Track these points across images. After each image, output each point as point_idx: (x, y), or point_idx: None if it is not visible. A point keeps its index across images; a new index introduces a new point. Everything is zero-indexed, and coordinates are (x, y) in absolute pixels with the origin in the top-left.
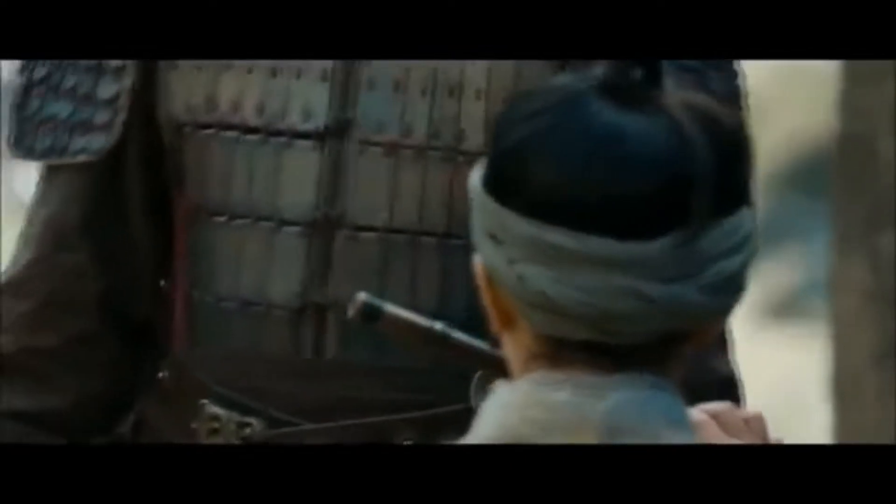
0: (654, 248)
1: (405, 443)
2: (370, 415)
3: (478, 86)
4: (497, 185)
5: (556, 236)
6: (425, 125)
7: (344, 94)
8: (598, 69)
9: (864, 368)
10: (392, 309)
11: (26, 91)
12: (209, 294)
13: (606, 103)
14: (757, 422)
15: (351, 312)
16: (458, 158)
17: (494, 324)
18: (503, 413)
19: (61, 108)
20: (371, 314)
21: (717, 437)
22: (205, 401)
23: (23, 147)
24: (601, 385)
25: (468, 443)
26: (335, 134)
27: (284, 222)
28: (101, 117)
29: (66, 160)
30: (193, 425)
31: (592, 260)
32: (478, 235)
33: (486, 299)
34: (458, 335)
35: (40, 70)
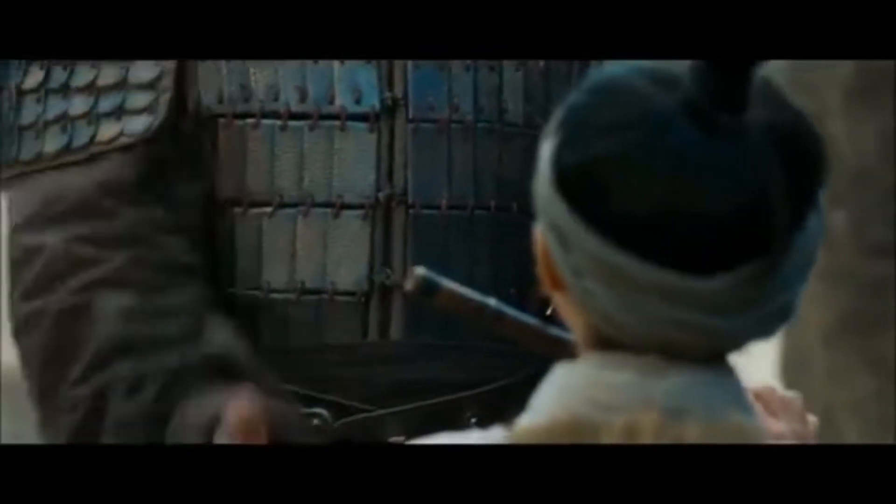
0: (720, 283)
1: (471, 421)
2: (435, 396)
3: None
4: (572, 193)
5: (625, 262)
6: (471, 101)
7: (390, 75)
8: (684, 77)
9: (814, 346)
10: (449, 284)
11: (19, 102)
12: (253, 288)
13: (691, 126)
14: (795, 402)
15: (409, 287)
16: (503, 131)
17: (546, 287)
18: (564, 393)
19: (74, 104)
20: (429, 289)
21: (760, 416)
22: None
23: (24, 157)
24: (664, 366)
25: (526, 422)
26: (387, 114)
27: (344, 206)
28: (139, 101)
29: (98, 149)
30: None
31: (659, 291)
32: (544, 223)
33: (540, 268)
34: (511, 312)
35: (33, 77)
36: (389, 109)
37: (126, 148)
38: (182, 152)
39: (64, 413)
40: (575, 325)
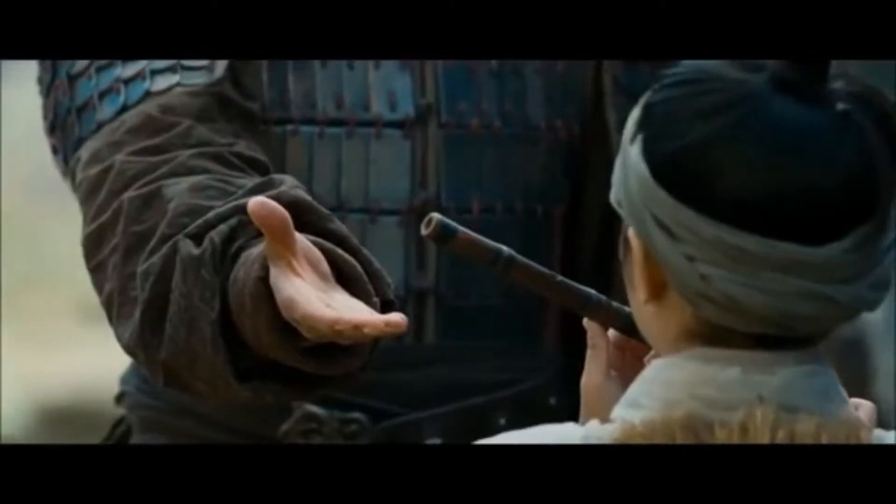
0: (837, 250)
1: (501, 422)
2: (469, 397)
3: (538, 62)
4: (676, 182)
5: (744, 241)
6: (497, 106)
7: (423, 82)
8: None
9: None
10: (464, 230)
11: (71, 87)
12: None
13: (785, 100)
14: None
15: (425, 232)
16: (527, 135)
17: (642, 294)
18: (669, 389)
19: (126, 69)
20: (446, 234)
21: None
22: (297, 402)
23: (84, 133)
24: (770, 361)
25: (635, 417)
26: (421, 121)
27: (382, 212)
28: (195, 63)
29: (153, 101)
30: (283, 428)
31: (779, 264)
32: (643, 220)
33: (637, 272)
34: (524, 260)
35: (79, 63)
36: (423, 116)
37: (185, 90)
38: (242, 111)
39: (139, 289)
40: (671, 327)
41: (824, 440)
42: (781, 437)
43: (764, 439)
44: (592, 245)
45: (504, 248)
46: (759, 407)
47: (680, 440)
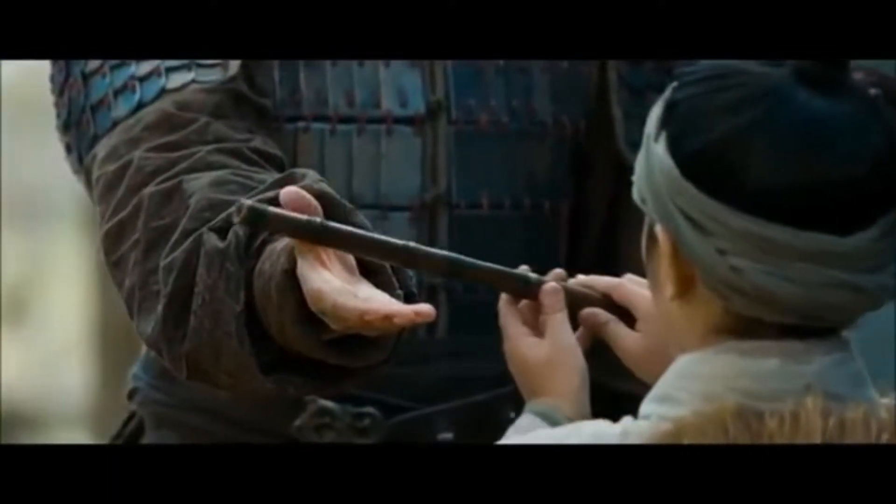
0: (864, 239)
1: (510, 416)
2: (479, 392)
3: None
4: (704, 176)
5: (775, 232)
6: (504, 102)
7: (432, 79)
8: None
9: None
10: (274, 210)
11: (86, 85)
12: None
13: (809, 91)
14: None
15: (237, 219)
16: (533, 131)
17: (670, 291)
18: (704, 384)
19: (141, 67)
20: (257, 217)
21: None
22: (310, 396)
23: (100, 131)
24: (804, 350)
25: (685, 412)
26: (431, 117)
27: (392, 208)
28: (209, 61)
29: (169, 98)
30: (297, 423)
31: (809, 254)
32: (671, 216)
33: (665, 269)
34: (336, 226)
35: (93, 62)
36: (433, 113)
37: (200, 87)
38: (256, 108)
39: (161, 283)
40: (699, 323)
41: (873, 426)
42: (832, 425)
43: (816, 427)
44: (597, 239)
45: (317, 219)
46: (810, 395)
47: (732, 431)
